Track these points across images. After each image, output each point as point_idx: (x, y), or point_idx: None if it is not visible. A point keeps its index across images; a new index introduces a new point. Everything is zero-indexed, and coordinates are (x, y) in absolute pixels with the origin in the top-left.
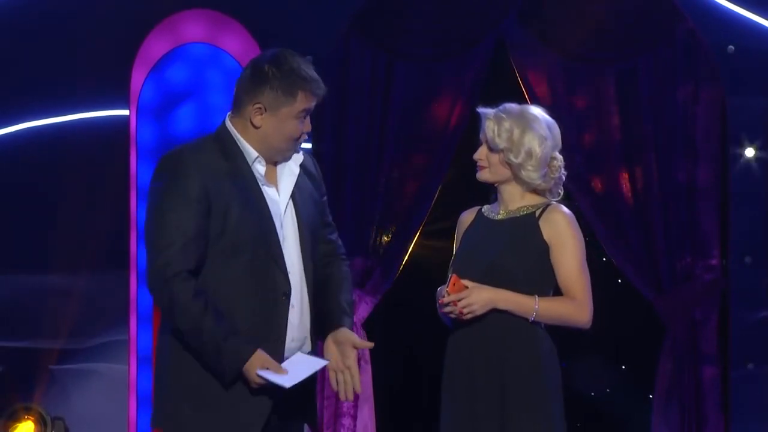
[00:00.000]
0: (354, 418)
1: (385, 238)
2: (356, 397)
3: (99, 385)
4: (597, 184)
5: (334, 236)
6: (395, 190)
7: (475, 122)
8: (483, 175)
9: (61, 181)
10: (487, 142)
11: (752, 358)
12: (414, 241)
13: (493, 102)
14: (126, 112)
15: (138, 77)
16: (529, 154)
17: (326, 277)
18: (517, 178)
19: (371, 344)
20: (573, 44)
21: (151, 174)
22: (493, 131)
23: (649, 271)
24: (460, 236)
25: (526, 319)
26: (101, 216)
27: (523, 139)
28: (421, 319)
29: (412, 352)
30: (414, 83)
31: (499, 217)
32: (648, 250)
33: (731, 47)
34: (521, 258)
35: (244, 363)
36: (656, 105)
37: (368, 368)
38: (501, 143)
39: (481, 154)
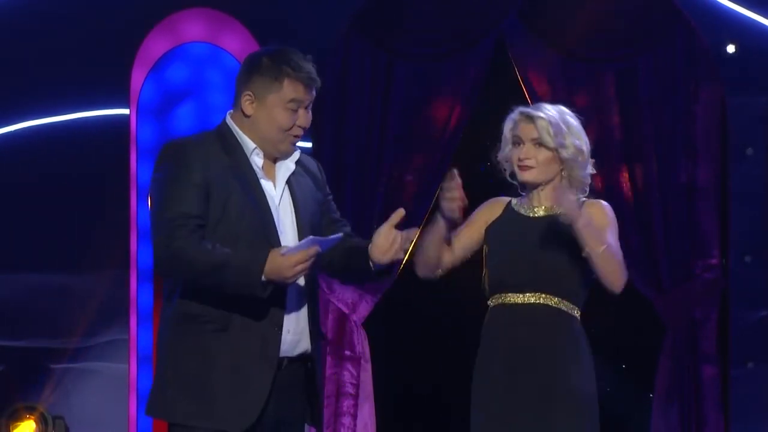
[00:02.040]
0: (354, 417)
1: None
2: (356, 395)
3: (99, 384)
4: (597, 184)
5: (348, 229)
6: (395, 190)
7: (476, 121)
8: (529, 176)
9: (61, 181)
10: (536, 140)
11: (752, 358)
12: (415, 239)
13: (493, 101)
14: (126, 111)
15: (138, 76)
16: (580, 150)
17: (347, 248)
18: (563, 176)
19: (402, 211)
20: (573, 44)
21: (153, 165)
22: (546, 129)
23: (649, 271)
24: (484, 220)
25: (574, 320)
26: (101, 215)
27: (572, 135)
28: (422, 318)
29: (413, 350)
30: (414, 83)
31: (539, 214)
32: (648, 250)
33: (731, 46)
34: (566, 257)
35: (265, 259)
36: (656, 104)
37: (368, 367)
38: (554, 140)
39: (528, 153)
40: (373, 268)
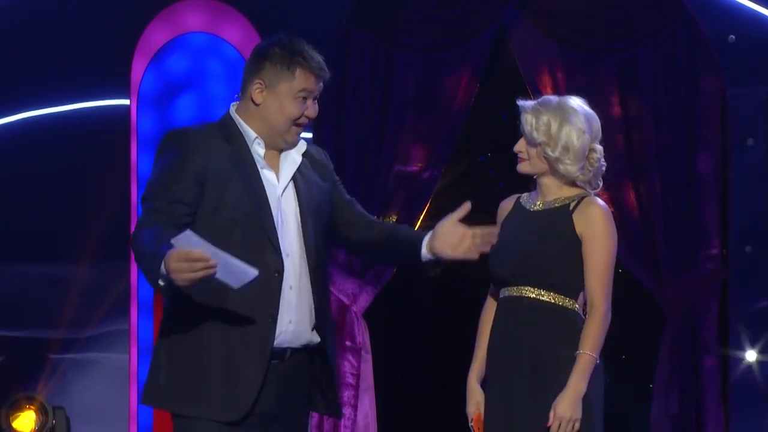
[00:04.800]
0: (355, 407)
1: None
2: (357, 386)
3: (100, 374)
4: None
5: (359, 207)
6: (396, 181)
7: (476, 112)
8: (523, 168)
9: (62, 171)
10: (525, 135)
11: (752, 348)
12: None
13: (493, 92)
14: (126, 102)
15: (138, 67)
16: (567, 148)
17: (386, 231)
18: (554, 171)
19: (468, 205)
20: (573, 34)
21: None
22: (531, 125)
23: (649, 261)
24: (500, 226)
25: (569, 311)
26: (102, 205)
27: (561, 132)
28: (422, 309)
29: (413, 341)
30: (414, 74)
31: (536, 207)
32: (648, 240)
33: (732, 37)
34: (553, 250)
35: (162, 260)
36: (656, 95)
37: (369, 358)
38: (538, 137)
39: (520, 146)
40: (428, 259)
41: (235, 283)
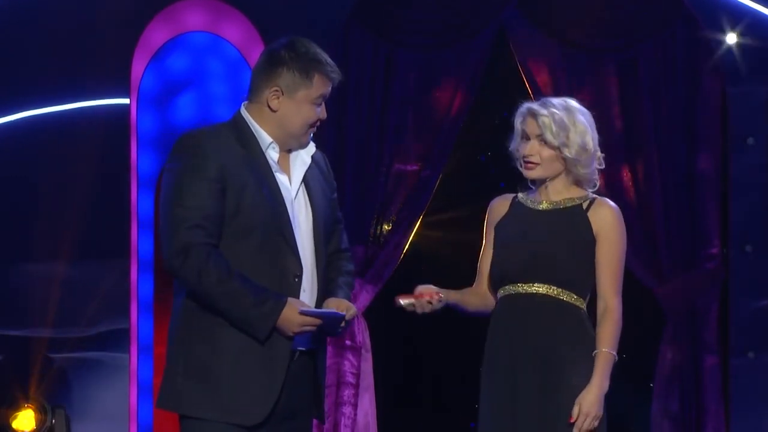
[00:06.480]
0: (355, 406)
1: (386, 227)
2: (357, 385)
3: (100, 373)
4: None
5: (342, 232)
6: (395, 180)
7: (476, 111)
8: (535, 173)
9: (62, 170)
10: (540, 137)
11: (753, 347)
12: (415, 230)
13: (493, 91)
14: (127, 101)
15: (139, 66)
16: (583, 148)
17: (330, 273)
18: (568, 172)
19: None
20: (573, 33)
21: (168, 156)
22: (549, 127)
23: (649, 260)
24: (493, 224)
25: (579, 310)
26: (102, 204)
27: (576, 133)
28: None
29: (413, 340)
30: (415, 72)
31: (543, 207)
32: (649, 240)
33: (732, 36)
34: (567, 249)
35: (280, 312)
36: (657, 94)
37: (369, 357)
38: (557, 139)
39: (532, 149)
40: None
41: (335, 330)
